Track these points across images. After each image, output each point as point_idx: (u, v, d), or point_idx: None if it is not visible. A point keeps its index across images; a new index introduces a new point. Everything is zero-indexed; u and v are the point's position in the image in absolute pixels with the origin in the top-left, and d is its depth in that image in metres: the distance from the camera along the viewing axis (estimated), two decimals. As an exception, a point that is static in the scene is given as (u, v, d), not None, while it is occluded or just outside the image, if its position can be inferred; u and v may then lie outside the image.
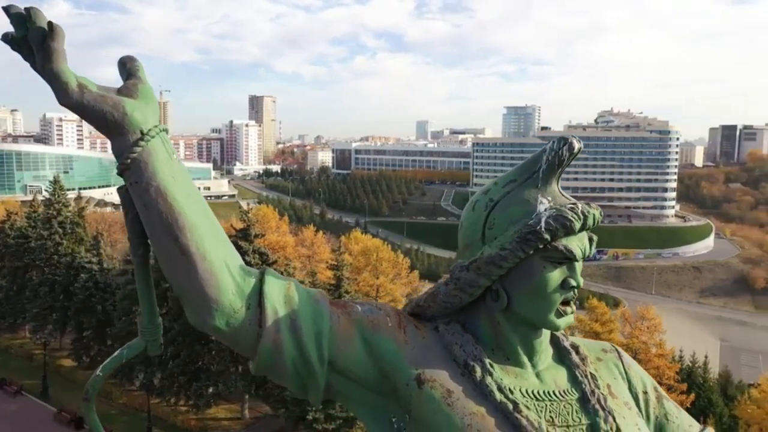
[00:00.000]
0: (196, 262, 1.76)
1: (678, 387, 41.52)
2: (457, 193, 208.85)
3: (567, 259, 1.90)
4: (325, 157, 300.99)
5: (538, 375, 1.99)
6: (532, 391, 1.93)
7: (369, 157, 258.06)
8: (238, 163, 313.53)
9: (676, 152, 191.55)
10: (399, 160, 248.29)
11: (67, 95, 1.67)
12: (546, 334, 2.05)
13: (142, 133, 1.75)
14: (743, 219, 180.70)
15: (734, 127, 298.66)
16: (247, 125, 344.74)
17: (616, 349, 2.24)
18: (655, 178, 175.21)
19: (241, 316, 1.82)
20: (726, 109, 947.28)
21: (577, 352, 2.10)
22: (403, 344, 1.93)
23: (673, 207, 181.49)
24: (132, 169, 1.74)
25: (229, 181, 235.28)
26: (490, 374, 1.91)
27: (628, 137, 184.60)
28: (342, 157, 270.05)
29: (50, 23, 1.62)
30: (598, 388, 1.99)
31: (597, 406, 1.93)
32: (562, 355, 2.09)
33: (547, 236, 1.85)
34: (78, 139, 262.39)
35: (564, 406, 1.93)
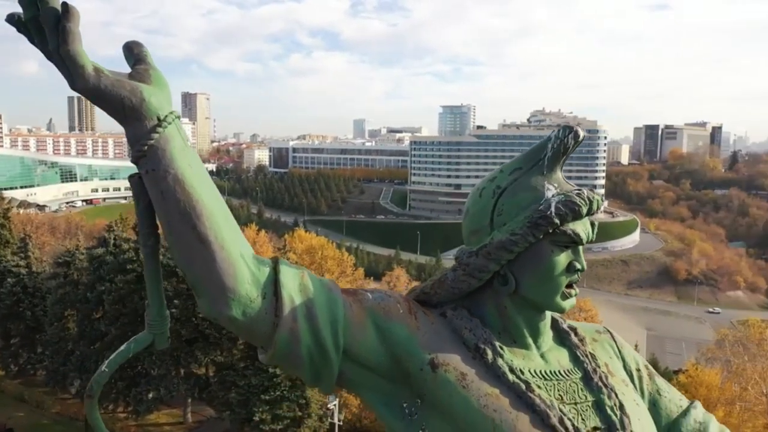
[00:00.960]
0: (215, 251, 1.72)
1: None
2: (395, 191, 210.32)
3: (573, 243, 1.97)
4: (262, 156, 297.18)
5: (542, 356, 2.06)
6: (540, 371, 1.98)
7: (307, 156, 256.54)
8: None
9: (604, 150, 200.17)
10: (337, 158, 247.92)
11: (83, 79, 1.61)
12: (548, 316, 2.12)
13: (159, 119, 1.70)
14: (666, 214, 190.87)
15: (656, 126, 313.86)
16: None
17: (609, 331, 2.36)
18: (585, 175, 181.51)
19: (257, 306, 1.79)
20: (649, 110, 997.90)
21: (576, 334, 2.18)
22: (415, 330, 1.95)
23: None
24: (148, 156, 1.69)
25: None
26: (501, 356, 1.95)
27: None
28: (279, 156, 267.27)
29: (65, 3, 1.56)
30: (599, 367, 2.08)
31: (600, 384, 2.01)
32: (562, 337, 2.16)
33: (556, 221, 1.91)
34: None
35: (570, 385, 1.99)
